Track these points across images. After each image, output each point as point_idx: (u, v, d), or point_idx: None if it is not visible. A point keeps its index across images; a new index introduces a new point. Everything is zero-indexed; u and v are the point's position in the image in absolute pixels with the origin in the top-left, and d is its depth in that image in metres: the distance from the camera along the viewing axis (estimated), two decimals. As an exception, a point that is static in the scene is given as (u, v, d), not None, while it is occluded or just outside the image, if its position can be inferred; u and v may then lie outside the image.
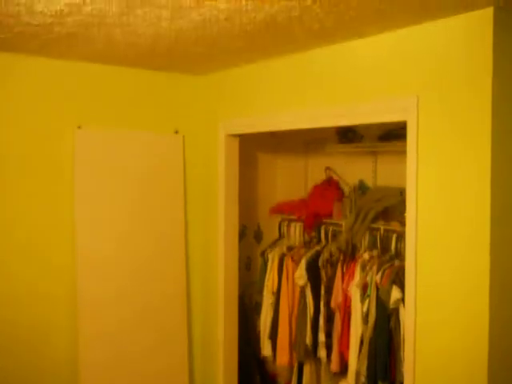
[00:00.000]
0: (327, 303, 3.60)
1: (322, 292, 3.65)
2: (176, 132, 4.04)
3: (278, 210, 4.38)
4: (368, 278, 3.26)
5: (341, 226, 3.76)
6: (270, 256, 4.08)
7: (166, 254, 3.94)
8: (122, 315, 3.72)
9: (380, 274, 3.18)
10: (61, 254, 3.59)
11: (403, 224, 3.02)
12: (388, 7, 2.39)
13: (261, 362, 4.45)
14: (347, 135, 3.85)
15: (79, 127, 3.61)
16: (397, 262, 3.21)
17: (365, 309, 3.22)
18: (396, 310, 3.06)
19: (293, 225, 4.19)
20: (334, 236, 3.83)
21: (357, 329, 3.30)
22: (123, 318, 3.72)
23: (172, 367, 3.94)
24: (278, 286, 3.93)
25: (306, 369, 3.90)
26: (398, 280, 3.07)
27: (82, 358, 3.58)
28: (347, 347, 3.40)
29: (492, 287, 2.40)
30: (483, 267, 2.41)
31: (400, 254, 3.26)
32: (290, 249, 4.03)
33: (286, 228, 4.26)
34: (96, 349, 3.63)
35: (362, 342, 3.24)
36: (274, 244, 4.25)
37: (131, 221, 3.80)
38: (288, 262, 3.91)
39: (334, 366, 3.55)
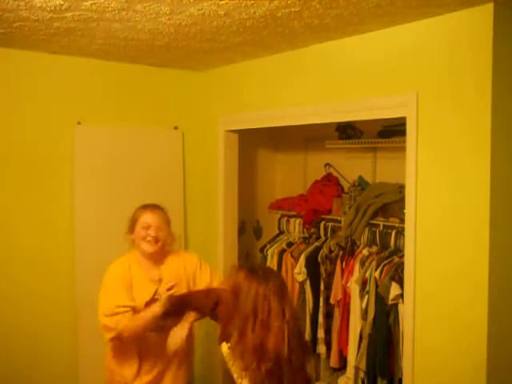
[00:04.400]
0: (326, 299, 3.60)
1: (322, 288, 3.65)
2: (175, 128, 4.03)
3: (278, 205, 4.38)
4: (367, 274, 3.26)
5: (340, 222, 3.76)
6: (269, 252, 4.08)
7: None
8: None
9: (379, 270, 3.19)
10: (60, 252, 3.58)
11: (402, 220, 3.02)
12: (388, 3, 2.39)
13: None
14: (347, 131, 3.84)
15: (79, 123, 3.60)
16: (396, 258, 3.21)
17: (364, 305, 3.23)
18: (395, 306, 3.06)
19: (292, 221, 4.19)
20: (334, 232, 3.83)
21: (356, 325, 3.30)
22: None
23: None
24: (278, 282, 3.92)
25: (305, 365, 3.90)
26: (397, 276, 3.07)
27: (82, 359, 3.60)
28: (346, 343, 3.40)
29: (491, 282, 2.41)
30: (482, 263, 2.41)
31: (399, 251, 3.26)
32: (289, 245, 4.03)
33: (285, 224, 4.26)
34: (95, 349, 3.60)
35: (361, 338, 3.24)
36: (273, 240, 4.24)
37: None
38: (287, 257, 3.91)
39: (333, 361, 3.55)
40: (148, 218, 2.75)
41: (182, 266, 2.86)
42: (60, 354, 3.59)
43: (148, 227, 2.73)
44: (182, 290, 2.75)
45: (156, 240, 2.74)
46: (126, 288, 2.67)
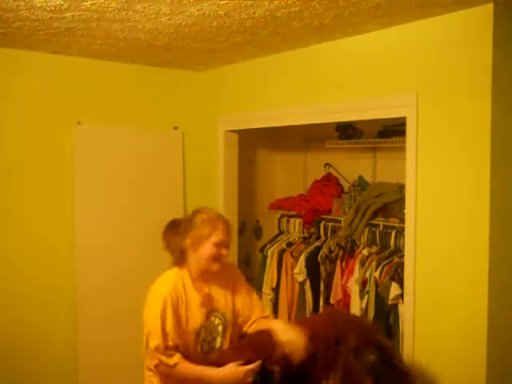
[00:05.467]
0: (326, 299, 3.60)
1: (322, 288, 3.65)
2: (175, 128, 4.03)
3: (278, 205, 4.38)
4: (367, 274, 3.26)
5: (340, 222, 3.76)
6: (269, 252, 4.08)
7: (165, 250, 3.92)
8: (121, 305, 3.70)
9: (379, 270, 3.19)
10: (61, 251, 3.59)
11: (402, 220, 3.02)
12: (388, 3, 2.39)
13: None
14: (347, 131, 3.84)
15: (79, 123, 3.60)
16: (396, 258, 3.21)
17: (364, 305, 3.23)
18: (395, 306, 3.06)
19: (292, 221, 4.19)
20: (334, 232, 3.83)
21: (356, 325, 3.30)
22: (122, 308, 3.70)
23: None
24: (278, 282, 3.93)
25: (305, 365, 3.90)
26: (397, 276, 3.07)
27: (82, 353, 3.61)
28: (346, 343, 3.40)
29: (491, 282, 2.41)
30: (482, 263, 2.41)
31: (399, 250, 3.26)
32: (289, 245, 4.03)
33: (285, 224, 4.26)
34: (96, 342, 3.64)
35: (360, 338, 3.24)
36: (273, 240, 4.25)
37: (130, 217, 3.79)
38: (287, 257, 3.91)
39: (333, 361, 3.55)
40: (224, 234, 2.33)
41: (225, 276, 2.47)
42: (60, 348, 3.60)
43: (221, 244, 2.33)
44: (228, 302, 2.44)
45: (225, 257, 2.37)
46: (177, 318, 2.29)
